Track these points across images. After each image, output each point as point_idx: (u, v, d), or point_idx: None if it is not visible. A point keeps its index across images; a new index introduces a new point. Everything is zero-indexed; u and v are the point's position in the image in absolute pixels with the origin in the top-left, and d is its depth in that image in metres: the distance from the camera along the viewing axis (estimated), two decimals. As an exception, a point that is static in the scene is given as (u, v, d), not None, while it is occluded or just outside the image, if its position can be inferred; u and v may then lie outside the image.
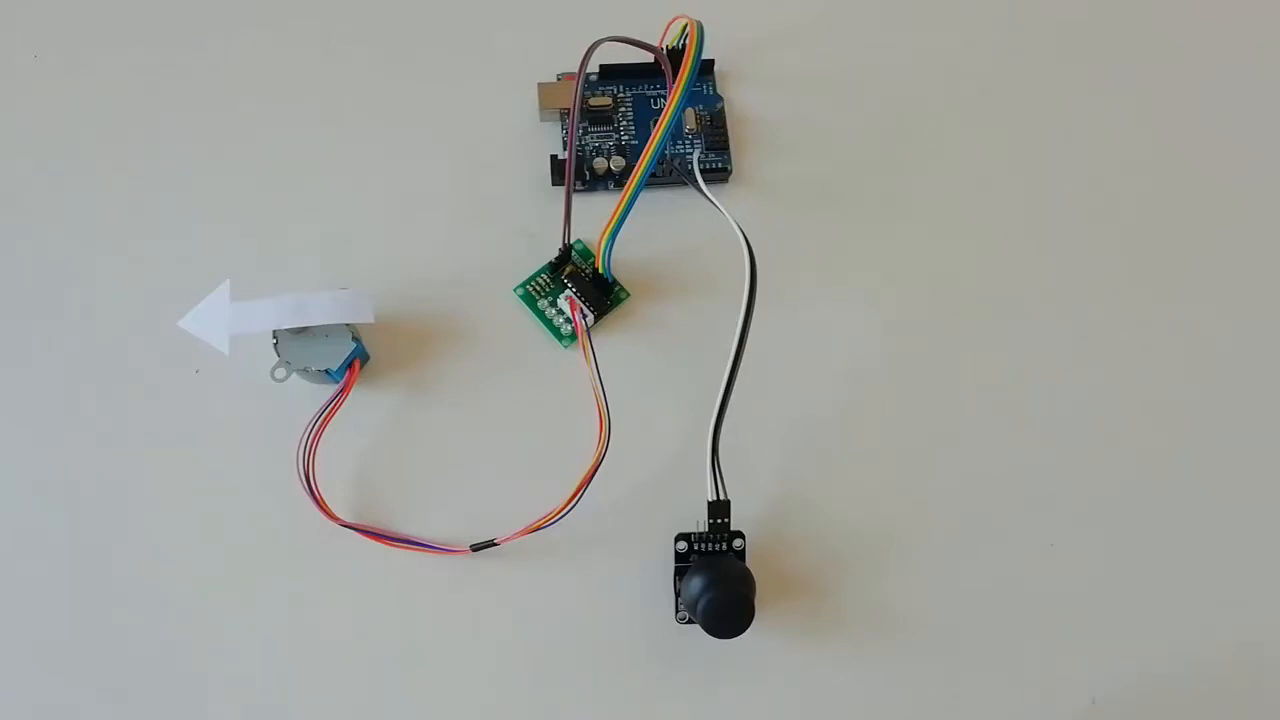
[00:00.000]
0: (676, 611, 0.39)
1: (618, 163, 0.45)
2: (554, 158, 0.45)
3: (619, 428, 0.39)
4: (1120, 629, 0.41)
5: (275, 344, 0.40)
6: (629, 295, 0.44)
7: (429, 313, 0.43)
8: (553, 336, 0.43)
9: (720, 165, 0.45)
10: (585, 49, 0.38)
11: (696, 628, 0.38)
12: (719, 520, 0.38)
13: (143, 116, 0.46)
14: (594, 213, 0.42)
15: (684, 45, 0.39)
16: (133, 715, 0.39)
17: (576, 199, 0.42)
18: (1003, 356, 0.44)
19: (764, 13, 0.48)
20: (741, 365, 0.36)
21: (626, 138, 0.45)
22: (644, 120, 0.46)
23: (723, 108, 0.46)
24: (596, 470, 0.39)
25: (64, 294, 0.44)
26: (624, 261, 0.43)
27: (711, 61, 0.47)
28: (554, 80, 0.46)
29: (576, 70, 0.38)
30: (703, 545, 0.39)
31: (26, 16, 0.48)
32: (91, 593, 0.40)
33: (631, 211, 0.39)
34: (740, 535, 0.39)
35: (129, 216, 0.45)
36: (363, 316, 0.40)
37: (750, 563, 0.39)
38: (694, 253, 0.44)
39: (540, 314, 0.43)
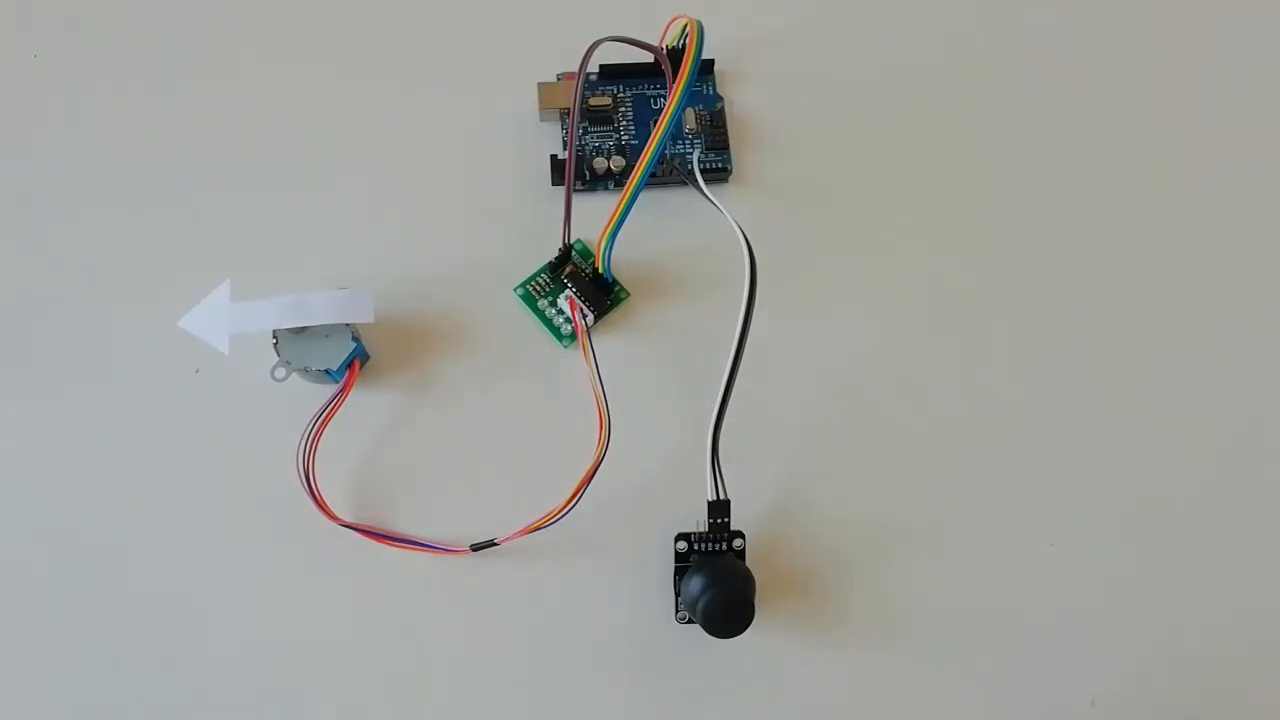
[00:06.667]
0: (676, 611, 0.39)
1: (618, 163, 0.45)
2: (554, 158, 0.45)
3: (619, 428, 0.39)
4: (1120, 629, 0.41)
5: (275, 344, 0.40)
6: (629, 295, 0.44)
7: (429, 313, 0.44)
8: (553, 336, 0.43)
9: (720, 165, 0.45)
10: (585, 49, 0.38)
11: (696, 628, 0.38)
12: (719, 520, 0.38)
13: (142, 116, 0.46)
14: (594, 213, 0.42)
15: (684, 45, 0.39)
16: (130, 714, 0.40)
17: (576, 199, 0.42)
18: (1003, 355, 0.44)
19: (764, 12, 0.48)
20: (741, 365, 0.36)
21: (626, 138, 0.45)
22: (644, 120, 0.46)
23: (723, 108, 0.46)
24: (596, 470, 0.39)
25: (64, 294, 0.44)
26: (624, 261, 0.43)
27: (711, 61, 0.47)
28: (554, 80, 0.46)
29: (576, 70, 0.38)
30: (703, 545, 0.39)
31: (26, 16, 0.48)
32: (90, 592, 0.40)
33: (631, 211, 0.39)
34: (740, 535, 0.39)
35: (129, 216, 0.45)
36: (363, 316, 0.40)
37: (750, 562, 0.39)
38: (694, 253, 0.44)
39: (540, 314, 0.43)
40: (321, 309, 0.39)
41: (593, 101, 0.46)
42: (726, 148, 0.45)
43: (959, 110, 0.47)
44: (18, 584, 0.41)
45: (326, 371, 0.40)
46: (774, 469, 0.42)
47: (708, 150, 0.45)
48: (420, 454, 0.42)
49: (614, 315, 0.44)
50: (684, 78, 0.37)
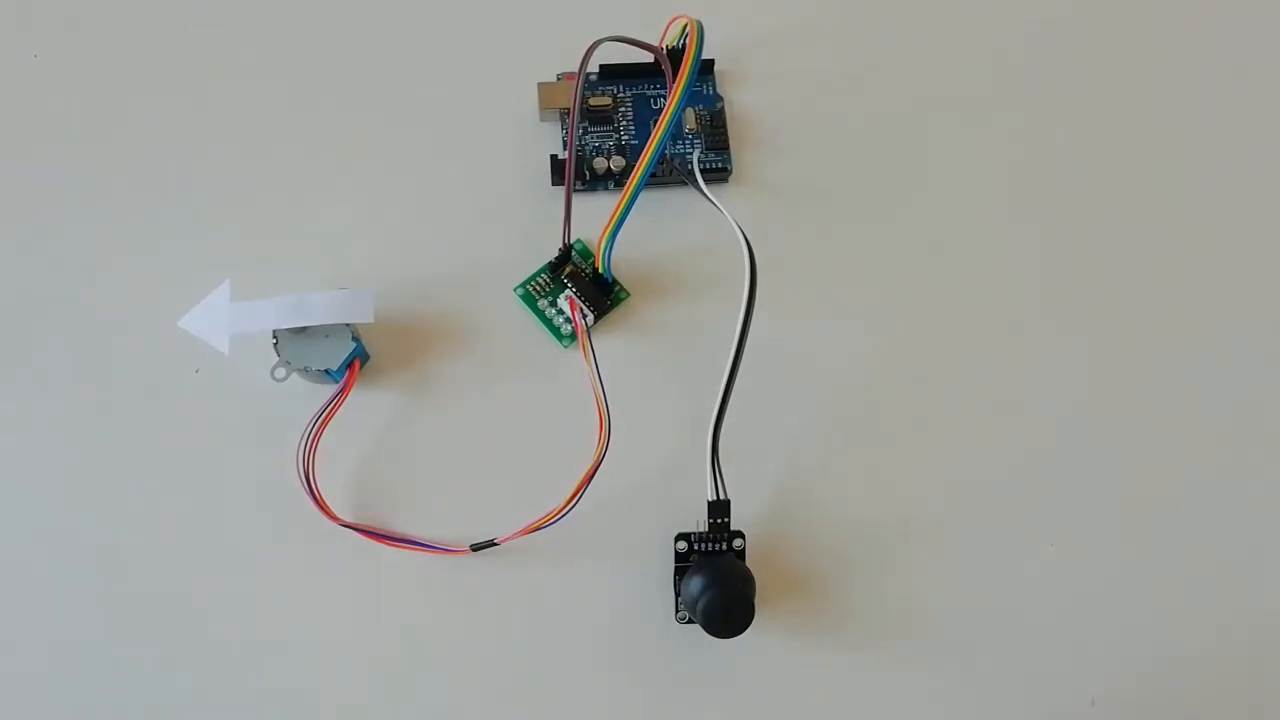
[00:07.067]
0: (676, 611, 0.39)
1: (618, 163, 0.45)
2: (554, 157, 0.45)
3: (619, 428, 0.39)
4: (1120, 629, 0.41)
5: (275, 344, 0.40)
6: (629, 295, 0.44)
7: (429, 313, 0.44)
8: (553, 336, 0.43)
9: (720, 165, 0.45)
10: (585, 49, 0.38)
11: (696, 628, 0.38)
12: (719, 520, 0.38)
13: (142, 116, 0.46)
14: (594, 213, 0.42)
15: (684, 45, 0.39)
16: (130, 714, 0.40)
17: (576, 199, 0.42)
18: (1003, 355, 0.44)
19: (764, 12, 0.48)
20: (741, 365, 0.36)
21: (626, 138, 0.45)
22: (644, 120, 0.46)
23: (723, 108, 0.46)
24: (596, 470, 0.39)
25: (64, 294, 0.44)
26: (624, 261, 0.43)
27: (711, 61, 0.47)
28: (554, 80, 0.46)
29: (576, 70, 0.38)
30: (703, 545, 0.39)
31: (26, 16, 0.48)
32: (90, 592, 0.40)
33: (631, 211, 0.39)
34: (740, 535, 0.39)
35: (129, 216, 0.45)
36: (363, 316, 0.40)
37: (750, 562, 0.39)
38: (694, 253, 0.44)
39: (540, 314, 0.43)
40: (321, 309, 0.39)
41: (593, 101, 0.46)
42: (726, 148, 0.45)
43: (959, 110, 0.47)
44: (18, 584, 0.41)
45: (326, 371, 0.40)
46: (774, 469, 0.42)
47: (708, 150, 0.45)
48: (420, 454, 0.42)
49: (614, 315, 0.44)
50: (684, 78, 0.37)
